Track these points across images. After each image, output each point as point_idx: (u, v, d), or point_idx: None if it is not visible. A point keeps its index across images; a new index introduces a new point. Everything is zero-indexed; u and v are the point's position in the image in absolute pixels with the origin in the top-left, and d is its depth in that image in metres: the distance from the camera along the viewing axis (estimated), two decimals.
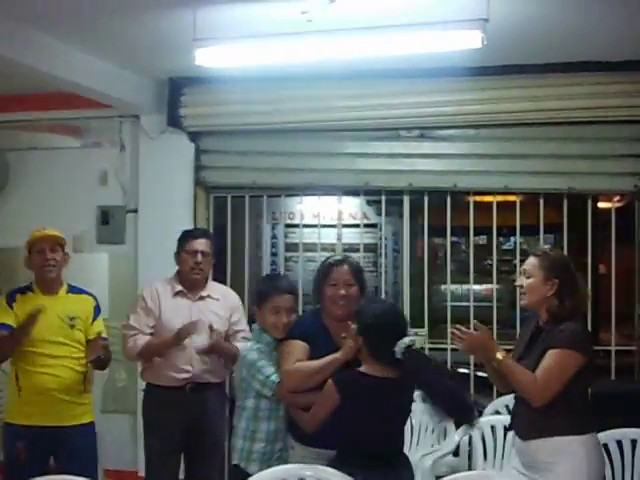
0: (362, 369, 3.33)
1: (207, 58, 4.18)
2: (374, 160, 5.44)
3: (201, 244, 4.35)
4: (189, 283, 4.38)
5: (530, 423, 3.32)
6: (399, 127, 5.37)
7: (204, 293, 4.40)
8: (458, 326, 3.42)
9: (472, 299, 5.50)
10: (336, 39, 4.00)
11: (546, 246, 4.20)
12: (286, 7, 3.90)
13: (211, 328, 4.22)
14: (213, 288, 4.49)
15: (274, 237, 7.50)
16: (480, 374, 5.51)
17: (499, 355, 3.30)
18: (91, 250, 5.82)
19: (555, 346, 3.26)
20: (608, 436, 3.87)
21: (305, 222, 6.11)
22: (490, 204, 5.47)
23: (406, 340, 3.32)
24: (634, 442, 3.98)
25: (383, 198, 5.58)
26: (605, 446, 3.78)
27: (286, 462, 3.56)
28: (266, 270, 6.74)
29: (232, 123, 5.46)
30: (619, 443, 3.91)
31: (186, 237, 4.41)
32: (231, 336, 4.43)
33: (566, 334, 3.28)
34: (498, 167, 5.28)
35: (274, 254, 7.54)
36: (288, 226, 7.18)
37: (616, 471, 3.91)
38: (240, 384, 3.66)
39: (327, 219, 6.01)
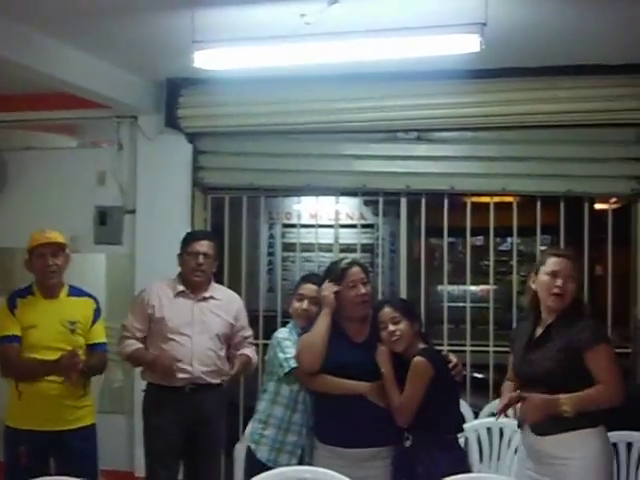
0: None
1: (206, 60, 4.15)
2: (372, 162, 5.44)
3: (203, 246, 4.35)
4: (191, 284, 4.38)
5: (550, 419, 3.28)
6: (397, 129, 5.37)
7: (207, 294, 4.41)
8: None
9: (469, 300, 5.54)
10: (334, 42, 3.98)
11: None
12: (285, 10, 3.90)
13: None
14: (216, 290, 4.49)
15: (271, 237, 7.52)
16: (477, 375, 5.56)
17: (565, 407, 3.24)
18: (88, 250, 5.78)
19: (596, 344, 3.32)
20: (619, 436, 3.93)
21: (302, 222, 6.13)
22: (486, 205, 5.48)
23: None
24: (629, 445, 4.02)
25: (381, 199, 5.59)
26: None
27: (299, 460, 3.63)
28: (263, 270, 6.74)
29: (230, 124, 5.45)
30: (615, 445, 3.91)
31: (188, 239, 4.42)
32: (239, 343, 4.47)
33: (594, 330, 3.37)
34: (496, 169, 5.29)
35: (271, 254, 7.56)
36: (285, 226, 7.20)
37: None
38: (267, 366, 3.83)
39: (324, 219, 6.01)
